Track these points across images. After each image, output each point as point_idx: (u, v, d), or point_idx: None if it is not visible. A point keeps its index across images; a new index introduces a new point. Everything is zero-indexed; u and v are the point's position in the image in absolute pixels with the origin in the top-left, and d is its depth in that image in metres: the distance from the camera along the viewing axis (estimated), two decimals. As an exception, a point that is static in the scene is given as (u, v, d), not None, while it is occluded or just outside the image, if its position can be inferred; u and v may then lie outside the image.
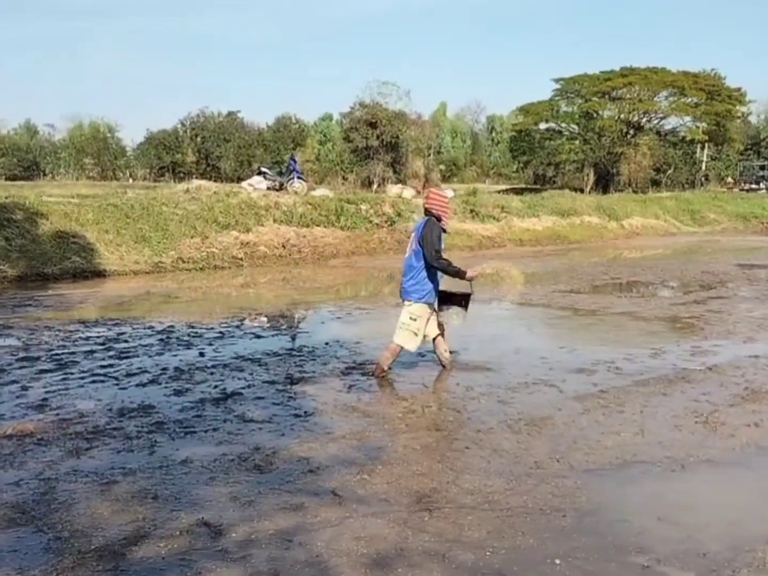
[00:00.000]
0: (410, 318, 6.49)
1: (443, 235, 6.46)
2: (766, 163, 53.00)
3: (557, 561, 3.34)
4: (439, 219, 6.46)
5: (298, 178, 21.11)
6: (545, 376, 6.85)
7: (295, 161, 22.09)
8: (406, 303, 6.54)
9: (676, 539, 3.56)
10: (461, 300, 6.76)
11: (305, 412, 5.52)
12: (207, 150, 52.98)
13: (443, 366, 6.83)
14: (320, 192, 21.63)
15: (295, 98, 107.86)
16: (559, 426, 5.32)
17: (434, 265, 6.36)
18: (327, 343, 7.88)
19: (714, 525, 3.73)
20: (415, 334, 6.49)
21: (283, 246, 16.17)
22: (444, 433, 5.06)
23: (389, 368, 6.61)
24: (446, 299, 6.75)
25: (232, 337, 8.23)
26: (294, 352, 7.49)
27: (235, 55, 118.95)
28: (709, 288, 12.63)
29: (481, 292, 11.58)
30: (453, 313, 6.77)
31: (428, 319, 6.58)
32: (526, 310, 10.30)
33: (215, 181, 31.52)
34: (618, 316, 9.75)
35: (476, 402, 5.81)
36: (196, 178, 31.10)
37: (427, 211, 6.53)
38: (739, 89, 46.79)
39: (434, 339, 6.75)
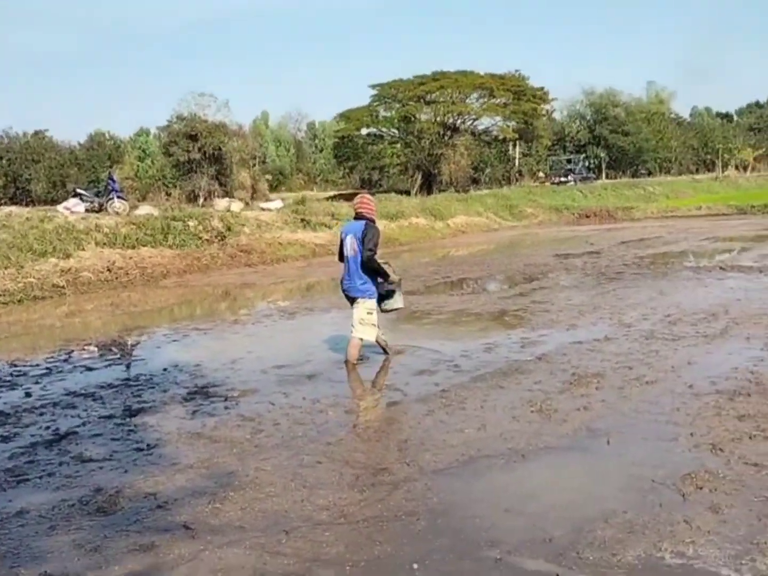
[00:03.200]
0: (368, 313, 7.23)
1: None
2: (572, 156, 56.97)
3: (415, 566, 3.42)
4: (373, 222, 7.25)
5: (118, 197, 20.27)
6: (389, 381, 6.99)
7: (113, 180, 21.21)
8: (360, 300, 7.22)
9: (522, 528, 3.74)
10: (398, 283, 7.53)
11: (148, 445, 5.30)
12: (15, 173, 49.44)
13: (386, 351, 7.61)
14: (144, 210, 20.87)
15: (107, 114, 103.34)
16: (405, 430, 5.44)
17: (368, 264, 7.11)
18: (165, 369, 7.60)
19: (556, 510, 3.94)
20: (374, 326, 7.29)
21: (109, 270, 15.42)
22: (294, 450, 5.02)
23: (360, 359, 7.35)
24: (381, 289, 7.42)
25: (61, 372, 7.75)
26: (130, 382, 7.17)
27: (37, 71, 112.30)
28: (532, 280, 13.37)
29: (311, 301, 11.69)
30: (397, 299, 7.53)
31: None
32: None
33: (27, 205, 29.66)
34: (452, 314, 10.11)
35: (324, 414, 5.82)
36: (5, 203, 29.07)
37: (361, 216, 7.26)
38: (542, 88, 49.90)
39: None
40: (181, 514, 4.09)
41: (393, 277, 7.42)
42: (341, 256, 7.49)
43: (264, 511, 4.08)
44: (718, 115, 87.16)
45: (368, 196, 7.78)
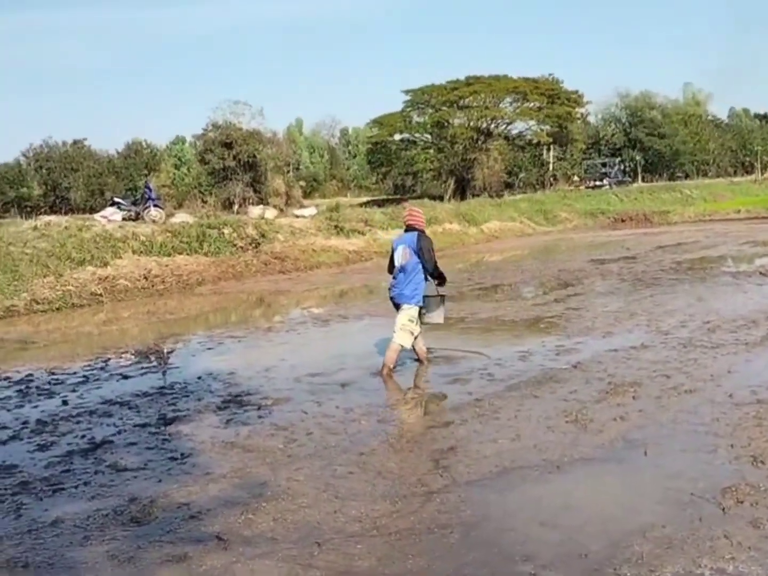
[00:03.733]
0: (409, 320, 7.38)
1: None
2: (607, 160, 56.37)
3: (449, 580, 3.38)
4: (423, 232, 7.51)
5: (155, 205, 20.46)
6: (422, 390, 6.97)
7: (150, 188, 21.41)
8: (405, 307, 7.39)
9: (557, 542, 3.68)
10: (441, 300, 7.69)
11: (182, 454, 5.33)
12: (54, 181, 50.36)
13: (421, 361, 7.68)
14: (180, 218, 21.07)
15: (144, 123, 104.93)
16: (439, 440, 5.40)
17: (436, 273, 7.53)
18: (200, 377, 7.65)
19: (591, 523, 3.88)
20: (412, 333, 7.43)
21: (145, 278, 15.61)
22: (327, 461, 5.01)
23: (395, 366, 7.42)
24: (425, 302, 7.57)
25: (98, 380, 7.85)
26: (165, 390, 7.23)
27: (77, 82, 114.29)
28: (567, 286, 13.24)
29: (345, 308, 11.69)
30: (438, 313, 7.67)
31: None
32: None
33: (66, 213, 30.13)
34: (485, 322, 10.04)
35: (357, 424, 5.81)
36: (45, 212, 29.63)
37: (411, 227, 7.52)
38: (576, 92, 49.55)
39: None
40: (213, 525, 4.10)
41: (441, 290, 7.72)
42: (391, 267, 7.65)
43: (296, 523, 4.07)
44: (757, 116, 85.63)
45: (417, 208, 8.27)
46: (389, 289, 7.67)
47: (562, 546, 3.63)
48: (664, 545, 3.56)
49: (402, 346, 7.39)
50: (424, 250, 7.35)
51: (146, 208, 20.33)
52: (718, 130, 73.76)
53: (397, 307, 7.51)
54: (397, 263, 7.48)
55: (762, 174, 59.51)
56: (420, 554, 3.64)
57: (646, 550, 3.52)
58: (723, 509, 3.91)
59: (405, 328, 7.37)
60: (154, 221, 19.48)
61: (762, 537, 3.58)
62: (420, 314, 7.51)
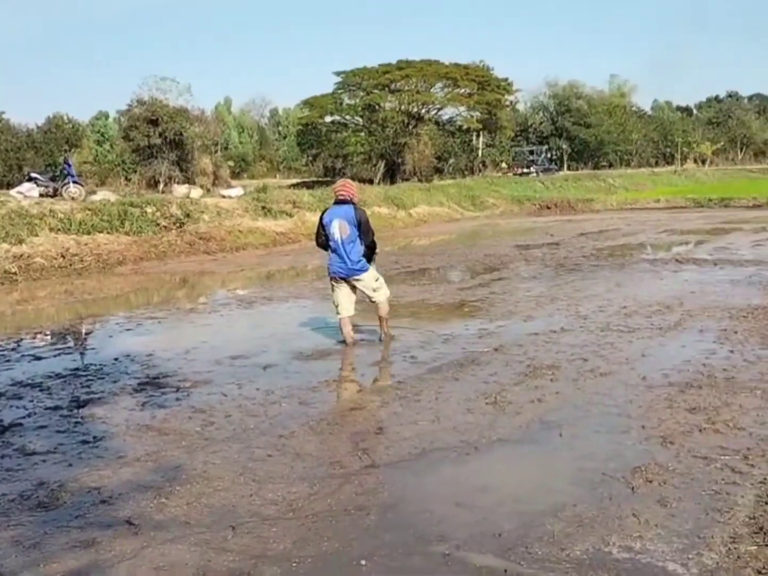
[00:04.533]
0: (375, 280, 7.59)
1: None
2: (534, 148, 57.29)
3: (363, 562, 3.37)
4: (356, 205, 7.49)
5: (74, 182, 19.84)
6: (345, 373, 6.94)
7: (69, 164, 20.74)
8: (362, 276, 7.48)
9: (473, 522, 3.71)
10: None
11: (94, 437, 5.17)
12: (-32, 155, 48.23)
13: (347, 343, 7.62)
14: (101, 195, 20.47)
15: (67, 97, 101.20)
16: (360, 422, 5.39)
17: (372, 245, 7.58)
18: (116, 359, 7.44)
19: (506, 504, 3.93)
20: (384, 283, 7.72)
21: (63, 256, 15.10)
22: (245, 443, 4.94)
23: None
24: None
25: (8, 361, 7.55)
26: (80, 372, 7.01)
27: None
28: (492, 270, 13.40)
29: (270, 290, 11.56)
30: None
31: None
32: (322, 304, 10.25)
33: (-19, 188, 28.91)
34: (410, 305, 10.07)
35: (277, 406, 5.74)
36: (-42, 186, 28.31)
37: (344, 200, 7.42)
38: (506, 79, 50.14)
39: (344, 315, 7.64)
40: (124, 509, 3.99)
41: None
42: (321, 241, 7.54)
43: (211, 506, 3.99)
44: (678, 108, 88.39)
45: (350, 180, 8.05)
46: (329, 266, 7.56)
47: (477, 526, 3.67)
48: (575, 524, 3.62)
49: (386, 298, 7.71)
50: (362, 223, 7.37)
51: (65, 184, 19.70)
52: (642, 122, 75.77)
53: (345, 282, 7.49)
54: (336, 238, 7.35)
55: (682, 165, 61.51)
56: (335, 536, 3.61)
57: (557, 528, 3.58)
58: (632, 488, 4.00)
59: (379, 287, 7.61)
60: (73, 198, 18.90)
61: (668, 515, 3.69)
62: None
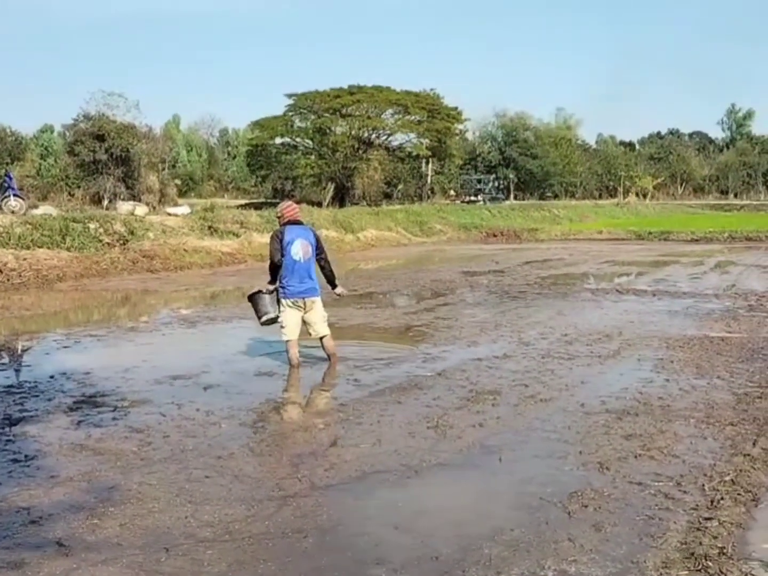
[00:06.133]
0: (323, 309, 7.61)
1: None
2: (482, 177, 58.16)
3: (299, 585, 3.33)
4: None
5: (15, 195, 19.40)
6: (287, 394, 6.89)
7: (10, 177, 20.28)
8: (315, 300, 7.49)
9: (410, 546, 3.70)
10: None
11: (26, 456, 5.01)
12: None
13: (294, 366, 7.49)
14: (43, 210, 20.05)
15: (9, 109, 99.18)
16: (300, 444, 5.35)
17: (328, 266, 7.71)
18: (52, 376, 7.25)
19: (444, 528, 3.93)
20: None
21: (0, 271, 14.71)
22: (182, 464, 4.85)
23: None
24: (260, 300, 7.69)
25: (-62, 377, 7.30)
26: (13, 389, 6.80)
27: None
28: (438, 295, 13.50)
29: (214, 310, 11.43)
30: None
31: None
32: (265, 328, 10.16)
33: None
34: (356, 328, 10.06)
35: (217, 427, 5.66)
36: None
37: (297, 221, 7.54)
38: (456, 108, 50.80)
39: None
40: (55, 530, 3.87)
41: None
42: (277, 261, 7.37)
43: (145, 528, 3.90)
44: (622, 143, 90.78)
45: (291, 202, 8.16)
46: (288, 287, 7.34)
47: (415, 550, 3.66)
48: (511, 548, 3.65)
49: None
50: (320, 243, 7.57)
51: (5, 197, 19.25)
52: (586, 155, 77.69)
53: (302, 304, 7.41)
54: (298, 258, 7.29)
55: (624, 198, 63.11)
56: (272, 559, 3.56)
57: (494, 552, 3.60)
58: (569, 513, 4.05)
59: (325, 319, 7.62)
60: (13, 212, 18.47)
61: (603, 539, 3.74)
62: (260, 314, 7.66)
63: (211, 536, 3.80)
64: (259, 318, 7.71)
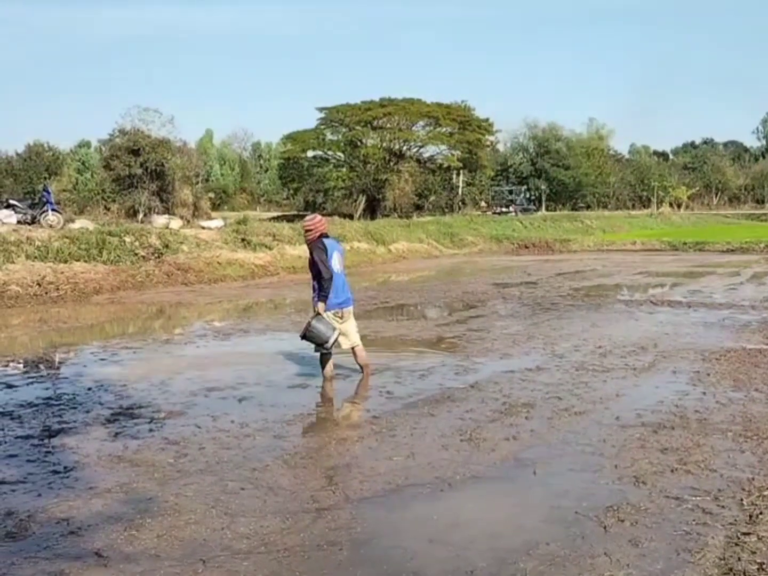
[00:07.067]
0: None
1: None
2: (513, 187, 58.06)
3: (335, 597, 3.34)
4: None
5: (53, 210, 19.76)
6: (321, 407, 6.92)
7: (48, 192, 20.68)
8: (352, 310, 7.63)
9: (445, 559, 3.70)
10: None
11: (65, 468, 5.10)
12: (-53, 182, 47.89)
13: (327, 379, 7.60)
14: (80, 224, 20.40)
15: (48, 125, 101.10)
16: (334, 456, 5.37)
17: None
18: (90, 389, 7.37)
19: (479, 540, 3.92)
20: None
21: (39, 284, 14.97)
22: (218, 476, 4.90)
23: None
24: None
25: (-21, 389, 7.45)
26: (52, 401, 6.92)
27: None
28: (470, 307, 13.48)
29: (248, 322, 11.53)
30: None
31: None
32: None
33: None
34: (388, 341, 10.08)
35: (251, 439, 5.71)
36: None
37: (326, 234, 7.48)
38: (487, 120, 50.87)
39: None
40: (94, 541, 3.93)
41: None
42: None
43: (182, 539, 3.95)
44: (655, 153, 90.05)
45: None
46: (331, 298, 7.25)
47: (449, 563, 3.66)
48: (547, 562, 3.63)
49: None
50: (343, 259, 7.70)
51: (44, 212, 19.62)
52: (619, 165, 77.15)
53: (341, 314, 7.44)
54: (336, 268, 7.34)
55: (657, 209, 62.46)
56: (307, 571, 3.59)
57: (529, 567, 3.58)
58: (605, 528, 4.02)
59: (357, 329, 7.74)
60: (51, 226, 18.81)
61: (639, 555, 3.70)
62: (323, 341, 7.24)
63: (246, 548, 3.84)
64: (325, 342, 7.23)
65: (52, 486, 4.78)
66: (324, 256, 7.22)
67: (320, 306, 7.25)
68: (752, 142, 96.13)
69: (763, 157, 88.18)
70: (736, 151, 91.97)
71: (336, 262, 7.38)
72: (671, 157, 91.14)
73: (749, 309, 12.48)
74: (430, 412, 6.40)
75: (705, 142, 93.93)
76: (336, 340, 7.27)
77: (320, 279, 7.20)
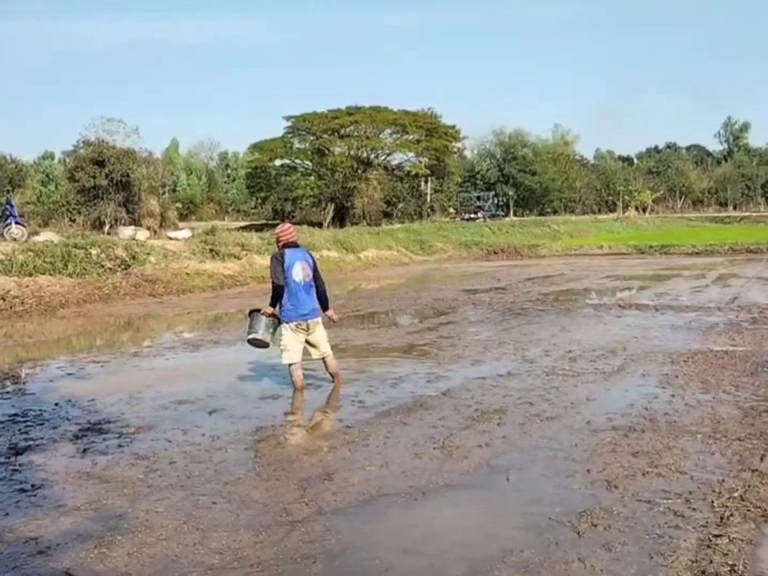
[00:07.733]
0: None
1: None
2: (481, 194, 58.43)
3: (310, 612, 3.31)
4: None
5: (17, 223, 19.50)
6: (292, 417, 6.88)
7: (12, 205, 20.41)
8: (318, 321, 7.53)
9: (420, 569, 3.69)
10: (276, 323, 7.65)
11: (33, 486, 5.00)
12: None
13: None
14: (45, 236, 20.12)
15: (10, 137, 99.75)
16: (307, 468, 5.33)
17: (323, 286, 7.64)
18: (57, 404, 7.24)
19: (454, 549, 3.91)
20: None
21: (3, 298, 14.72)
22: (189, 491, 4.83)
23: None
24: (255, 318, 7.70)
25: (-58, 407, 7.29)
26: (18, 418, 6.79)
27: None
28: (440, 314, 13.50)
29: (217, 333, 11.44)
30: (267, 332, 7.68)
31: None
32: (270, 349, 10.17)
33: None
34: (359, 349, 10.06)
35: (223, 452, 5.65)
36: None
37: (296, 243, 7.55)
38: (453, 126, 51.16)
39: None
40: (63, 560, 3.86)
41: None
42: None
43: (153, 556, 3.89)
44: (620, 158, 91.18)
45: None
46: (290, 310, 7.32)
47: (424, 573, 3.65)
48: (522, 569, 3.63)
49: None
50: (317, 265, 7.65)
51: (7, 225, 19.36)
52: (585, 170, 78.00)
53: (306, 326, 7.40)
54: (298, 280, 7.30)
55: (623, 213, 63.29)
56: (281, 586, 3.55)
57: (504, 574, 3.58)
58: (578, 533, 4.03)
59: (327, 339, 7.69)
60: (15, 239, 18.54)
61: (613, 559, 3.72)
62: (249, 331, 7.68)
63: (219, 563, 3.79)
64: (247, 334, 7.73)
65: (20, 504, 4.68)
66: (278, 267, 7.36)
67: (268, 309, 7.52)
68: (714, 146, 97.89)
69: (725, 161, 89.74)
70: (699, 154, 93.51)
71: (298, 272, 7.33)
72: (636, 161, 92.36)
73: (715, 311, 12.66)
74: (403, 420, 6.39)
75: (668, 147, 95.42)
76: (253, 341, 7.68)
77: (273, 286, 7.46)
